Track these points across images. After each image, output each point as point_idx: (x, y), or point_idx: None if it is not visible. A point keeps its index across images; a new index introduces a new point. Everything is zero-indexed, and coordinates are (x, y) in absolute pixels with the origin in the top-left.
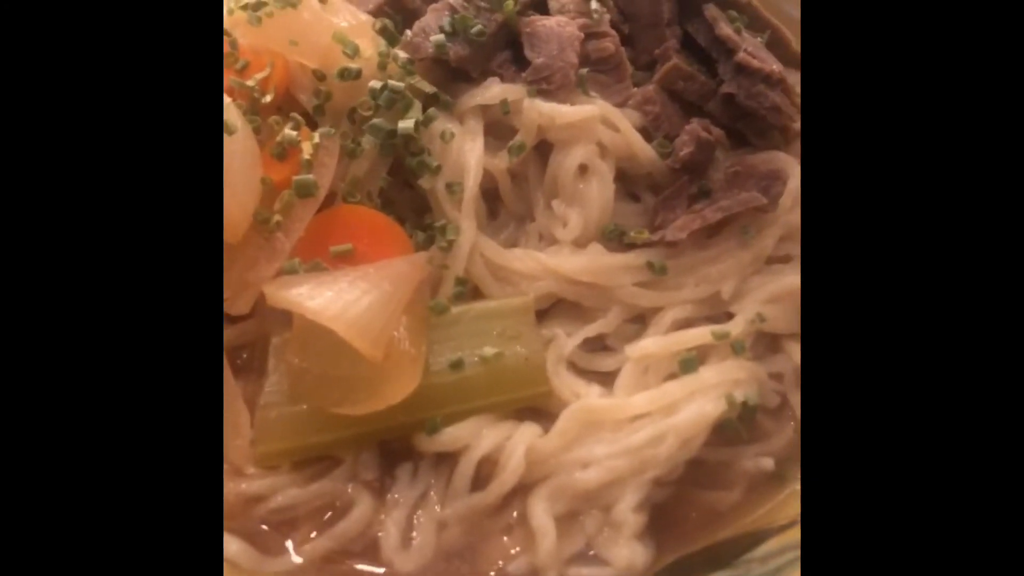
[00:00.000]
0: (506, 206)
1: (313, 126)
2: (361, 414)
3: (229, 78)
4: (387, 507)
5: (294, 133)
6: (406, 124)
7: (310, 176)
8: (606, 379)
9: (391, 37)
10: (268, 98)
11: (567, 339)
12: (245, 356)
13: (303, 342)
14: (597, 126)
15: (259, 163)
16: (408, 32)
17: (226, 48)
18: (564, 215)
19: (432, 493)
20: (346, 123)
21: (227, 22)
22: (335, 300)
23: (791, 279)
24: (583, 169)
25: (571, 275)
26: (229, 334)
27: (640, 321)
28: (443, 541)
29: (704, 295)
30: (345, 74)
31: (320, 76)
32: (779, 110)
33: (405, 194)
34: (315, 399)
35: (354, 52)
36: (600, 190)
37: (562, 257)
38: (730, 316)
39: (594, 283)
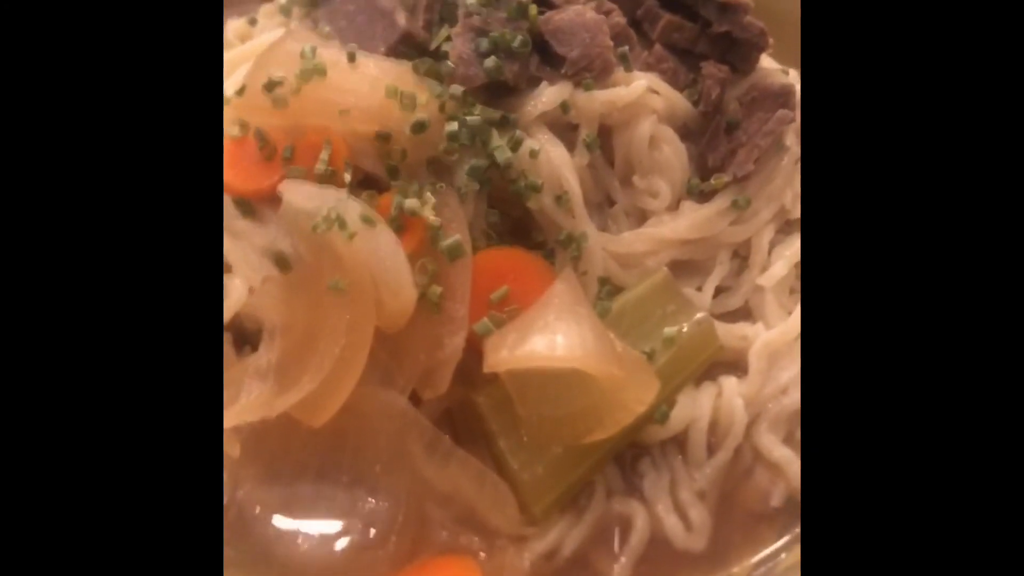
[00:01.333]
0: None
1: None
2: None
3: (285, 170)
4: (650, 504)
5: (416, 202)
6: (505, 155)
7: (457, 237)
8: (737, 316)
9: (438, 74)
10: (348, 176)
11: (701, 294)
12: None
13: (522, 394)
14: (651, 97)
15: (400, 247)
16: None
17: (248, 140)
18: (651, 187)
19: (678, 474)
20: (425, 174)
21: (237, 111)
22: (567, 340)
23: None
24: (652, 140)
25: (683, 237)
26: (429, 414)
27: (736, 256)
28: (711, 508)
29: (776, 210)
30: (418, 127)
31: (385, 137)
32: (764, 32)
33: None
34: (564, 439)
35: (413, 102)
36: (676, 153)
37: (666, 225)
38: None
39: (702, 237)
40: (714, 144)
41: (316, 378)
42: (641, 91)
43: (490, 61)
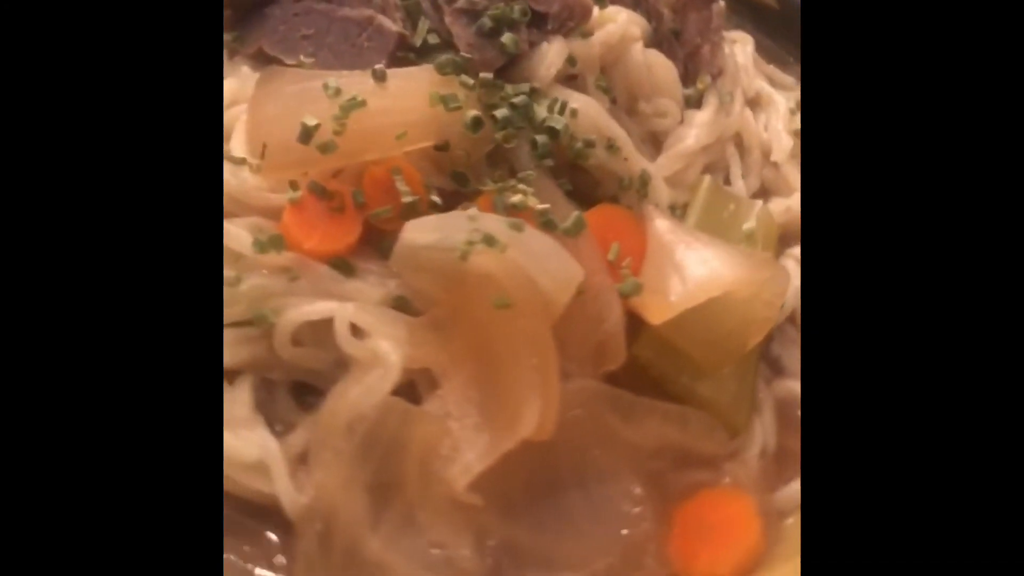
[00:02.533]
0: None
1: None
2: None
3: (365, 214)
4: (796, 375)
5: (521, 196)
6: (561, 122)
7: (576, 214)
8: (758, 195)
9: (459, 67)
10: (434, 196)
11: (736, 187)
12: None
13: (682, 331)
14: (632, 25)
15: (553, 241)
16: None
17: (308, 198)
18: (658, 108)
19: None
20: (486, 169)
21: (274, 172)
22: (718, 265)
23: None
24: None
25: (704, 143)
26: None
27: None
28: None
29: (742, 95)
30: (475, 125)
31: (444, 146)
32: None
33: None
34: (734, 354)
35: (459, 103)
36: (668, 70)
37: (690, 136)
38: None
39: (719, 136)
40: (673, 53)
41: (530, 397)
42: (626, 23)
43: (507, 38)
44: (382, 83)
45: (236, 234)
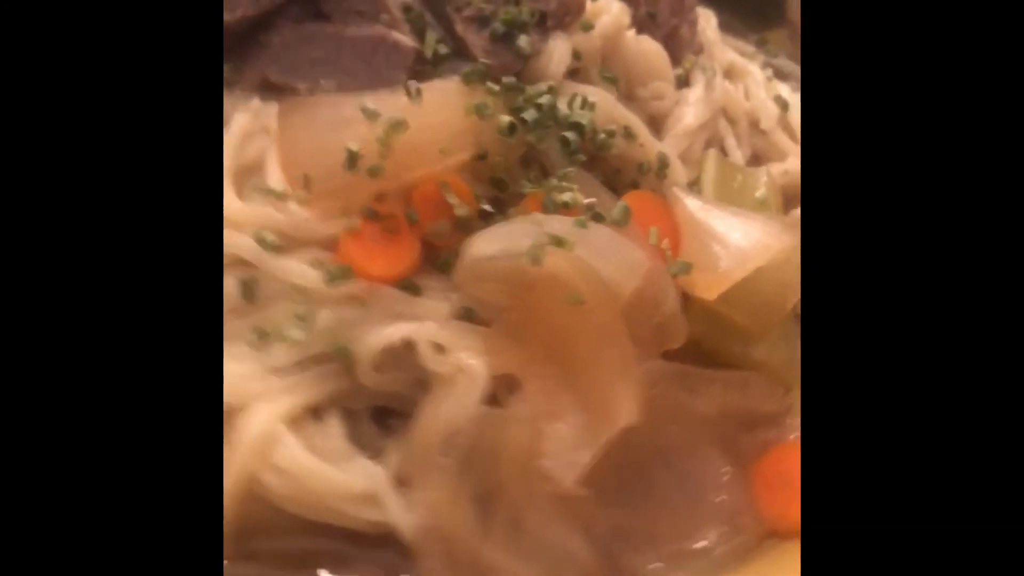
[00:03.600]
0: None
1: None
2: None
3: (421, 232)
4: None
5: (569, 194)
6: (586, 117)
7: (622, 203)
8: (751, 163)
9: (484, 74)
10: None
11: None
12: None
13: (730, 301)
14: (623, 15)
15: (616, 233)
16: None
17: (365, 225)
18: (655, 91)
19: None
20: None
21: (323, 203)
22: (758, 236)
23: None
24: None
25: (703, 120)
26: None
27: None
28: None
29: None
30: (509, 131)
31: (483, 155)
32: None
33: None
34: (778, 315)
35: (488, 109)
36: (659, 54)
37: (688, 116)
38: None
39: (713, 111)
40: (653, 36)
41: (620, 386)
42: (620, 13)
43: (523, 40)
44: (417, 100)
45: (300, 270)
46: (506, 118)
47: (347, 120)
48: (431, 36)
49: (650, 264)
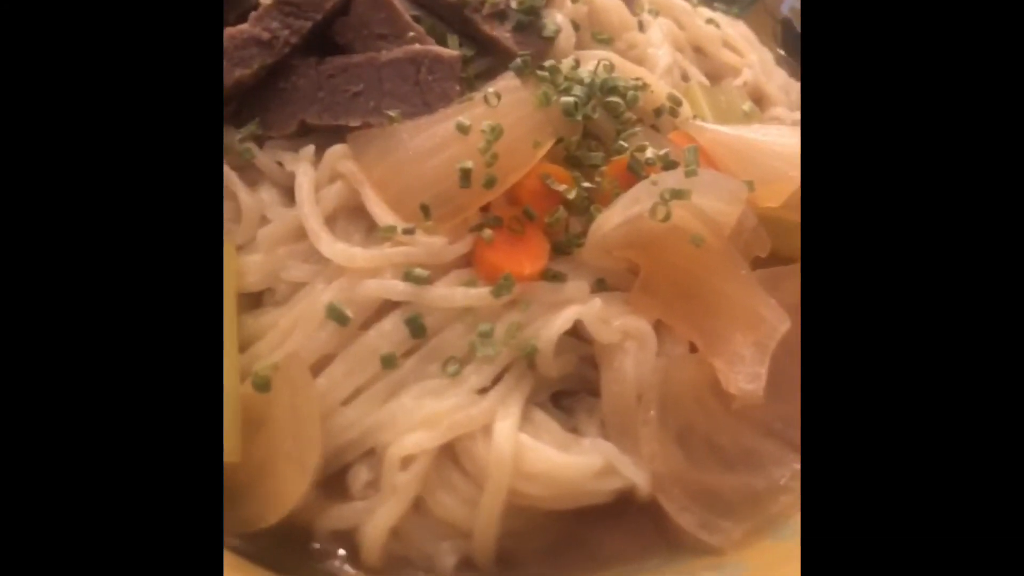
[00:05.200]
0: None
1: None
2: None
3: (542, 224)
4: None
5: (652, 150)
6: (620, 80)
7: (691, 145)
8: None
9: (528, 65)
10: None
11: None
12: None
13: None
14: None
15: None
16: None
17: (498, 234)
18: (629, 41)
19: None
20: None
21: (454, 218)
22: (792, 149)
23: None
24: None
25: (673, 55)
26: None
27: None
28: None
29: None
30: (576, 108)
31: (561, 139)
32: None
33: None
34: None
35: (553, 95)
36: (621, 5)
37: (662, 56)
38: None
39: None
40: None
41: (763, 299)
42: None
43: (549, 22)
44: (495, 104)
45: (464, 293)
46: (568, 98)
47: (443, 140)
48: (454, 41)
49: None
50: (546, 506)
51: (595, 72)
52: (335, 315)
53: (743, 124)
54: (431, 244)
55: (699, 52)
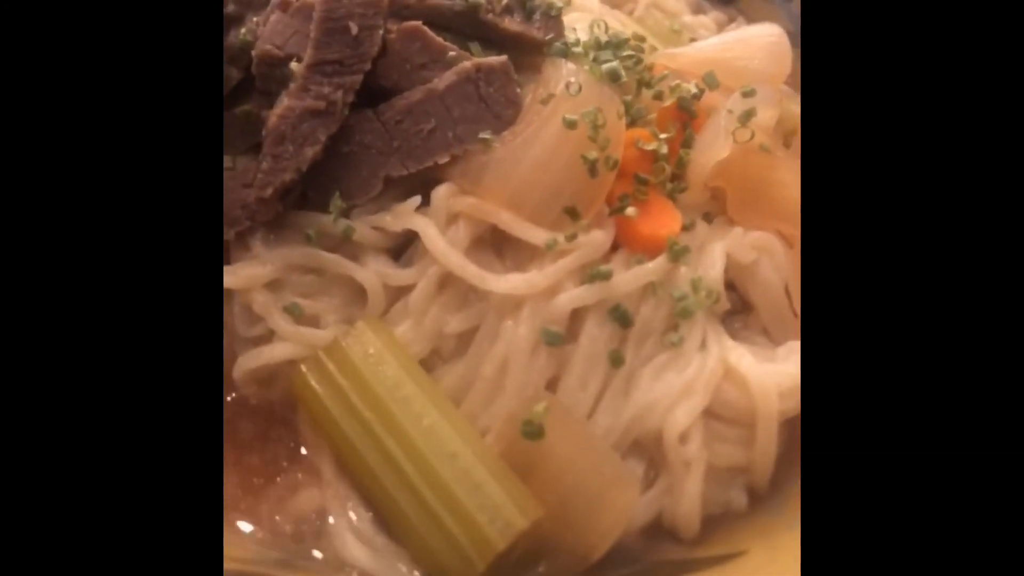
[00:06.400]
0: None
1: None
2: None
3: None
4: None
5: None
6: (625, 35)
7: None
8: None
9: (599, 39)
10: None
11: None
12: None
13: None
14: None
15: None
16: None
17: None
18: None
19: None
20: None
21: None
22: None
23: None
24: None
25: None
26: None
27: None
28: None
29: None
30: (616, 75)
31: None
32: None
33: None
34: None
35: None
36: None
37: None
38: None
39: None
40: None
41: None
42: None
43: (556, 2)
44: (577, 93)
45: (646, 271)
46: (611, 64)
47: (560, 137)
48: (476, 49)
49: None
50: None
51: (604, 35)
52: (550, 338)
53: (683, 44)
54: (594, 240)
55: None
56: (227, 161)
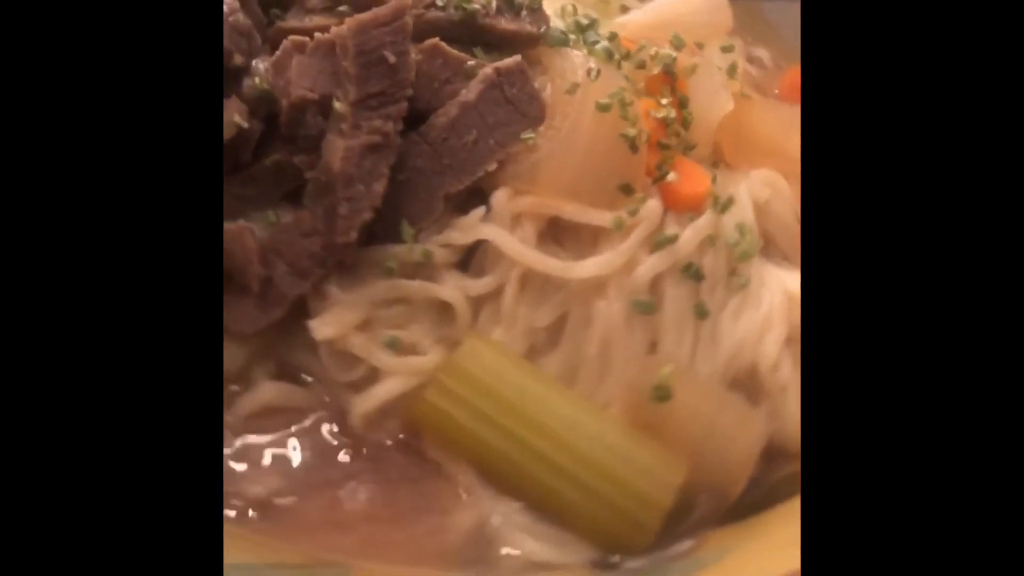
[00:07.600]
0: None
1: None
2: None
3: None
4: None
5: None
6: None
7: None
8: None
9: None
10: None
11: None
12: None
13: None
14: None
15: None
16: None
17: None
18: None
19: None
20: None
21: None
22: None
23: None
24: None
25: None
26: None
27: None
28: None
29: None
30: (610, 55)
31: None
32: None
33: None
34: None
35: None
36: None
37: None
38: None
39: None
40: None
41: None
42: None
43: None
44: (596, 78)
45: (700, 226)
46: (603, 44)
47: (593, 127)
48: (480, 54)
49: None
50: None
51: (581, 18)
52: (644, 307)
53: (615, 13)
54: (652, 209)
55: None
56: (270, 216)
